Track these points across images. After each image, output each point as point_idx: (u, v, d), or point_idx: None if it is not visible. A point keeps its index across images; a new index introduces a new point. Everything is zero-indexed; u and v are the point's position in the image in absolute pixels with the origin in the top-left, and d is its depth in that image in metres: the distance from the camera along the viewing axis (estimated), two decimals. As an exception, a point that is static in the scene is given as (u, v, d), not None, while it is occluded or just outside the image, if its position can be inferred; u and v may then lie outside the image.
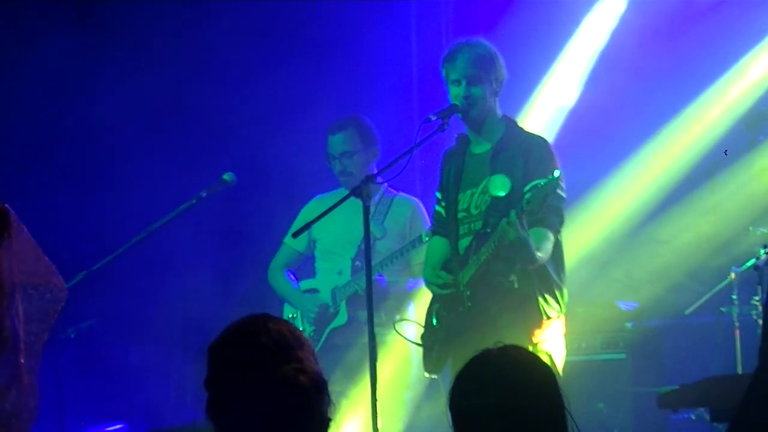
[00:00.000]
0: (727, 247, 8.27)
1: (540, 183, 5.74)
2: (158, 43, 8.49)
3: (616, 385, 8.01)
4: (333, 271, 7.43)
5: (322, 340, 7.38)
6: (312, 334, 7.40)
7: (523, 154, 6.10)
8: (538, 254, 5.85)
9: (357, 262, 7.31)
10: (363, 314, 7.11)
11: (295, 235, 6.53)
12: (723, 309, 8.01)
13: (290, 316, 7.51)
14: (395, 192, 7.32)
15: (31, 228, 7.52)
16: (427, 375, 6.41)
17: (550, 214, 5.98)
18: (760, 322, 7.45)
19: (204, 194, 7.04)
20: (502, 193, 6.02)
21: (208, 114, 8.53)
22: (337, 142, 7.36)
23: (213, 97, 8.58)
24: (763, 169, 8.35)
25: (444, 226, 6.41)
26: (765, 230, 7.88)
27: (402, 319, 6.52)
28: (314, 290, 7.53)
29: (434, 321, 6.30)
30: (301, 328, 7.29)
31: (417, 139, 5.97)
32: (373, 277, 6.76)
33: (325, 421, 3.15)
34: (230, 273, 7.70)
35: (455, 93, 6.20)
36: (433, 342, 6.29)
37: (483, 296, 6.04)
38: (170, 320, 8.27)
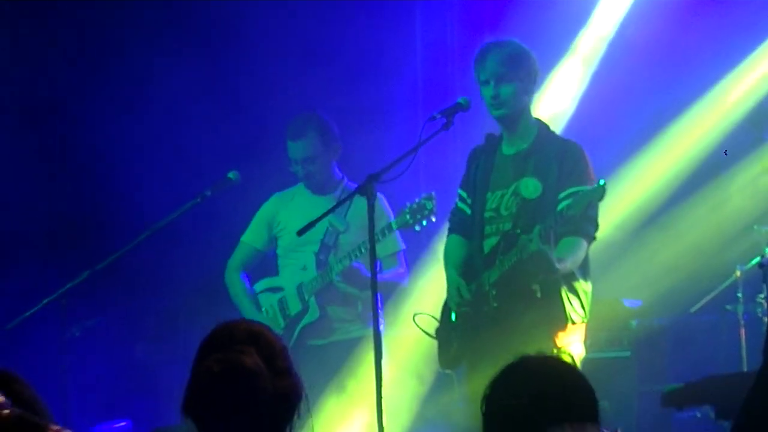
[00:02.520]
0: (732, 245, 8.21)
1: (583, 189, 5.76)
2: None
3: (621, 383, 7.92)
4: (297, 267, 7.27)
5: (293, 339, 7.18)
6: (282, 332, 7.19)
7: (557, 159, 6.08)
8: (558, 265, 5.85)
9: (321, 256, 7.19)
10: (333, 309, 7.15)
11: (300, 233, 6.32)
12: (728, 307, 7.97)
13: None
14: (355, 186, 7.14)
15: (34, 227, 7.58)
16: (445, 370, 6.41)
17: (586, 222, 6.00)
18: (765, 320, 7.55)
19: (209, 193, 7.03)
20: (533, 197, 6.03)
21: (216, 112, 8.55)
22: (299, 147, 7.25)
23: (219, 93, 8.60)
24: (768, 166, 8.32)
25: (467, 224, 6.36)
26: (770, 228, 7.82)
27: (419, 313, 6.41)
28: (278, 288, 7.35)
29: (453, 316, 6.25)
30: None
31: (421, 138, 5.92)
32: (343, 269, 6.95)
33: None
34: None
35: (485, 94, 6.17)
36: (451, 338, 6.26)
37: (509, 297, 6.02)
38: (176, 318, 8.24)
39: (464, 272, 6.25)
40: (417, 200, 6.67)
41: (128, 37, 8.50)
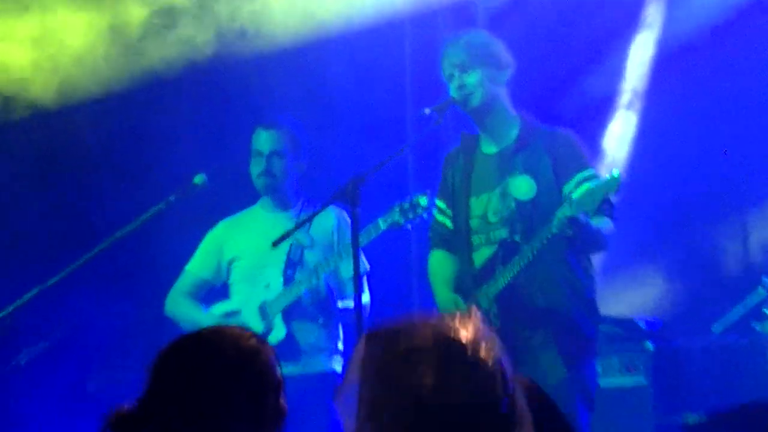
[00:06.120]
0: (757, 254, 7.95)
1: (593, 184, 5.45)
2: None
3: (636, 414, 7.40)
4: (258, 286, 6.81)
5: None
6: None
7: (549, 151, 5.80)
8: (601, 230, 5.61)
9: (288, 272, 6.79)
10: (303, 331, 6.74)
11: (276, 243, 6.08)
12: (755, 325, 7.47)
13: None
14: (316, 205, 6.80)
15: None
16: None
17: (603, 203, 5.59)
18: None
19: (173, 199, 6.52)
20: (528, 197, 5.76)
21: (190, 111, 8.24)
22: (271, 138, 6.85)
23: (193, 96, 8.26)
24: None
25: (449, 238, 6.05)
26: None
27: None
28: (233, 312, 6.85)
29: None
30: None
31: (410, 136, 6.11)
32: (302, 292, 6.64)
33: None
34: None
35: (452, 87, 5.93)
36: None
37: (513, 314, 5.71)
38: (136, 344, 7.65)
39: (456, 290, 5.96)
40: (409, 198, 6.33)
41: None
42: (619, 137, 8.24)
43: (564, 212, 5.38)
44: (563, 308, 5.72)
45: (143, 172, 7.83)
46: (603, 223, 5.64)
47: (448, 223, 6.05)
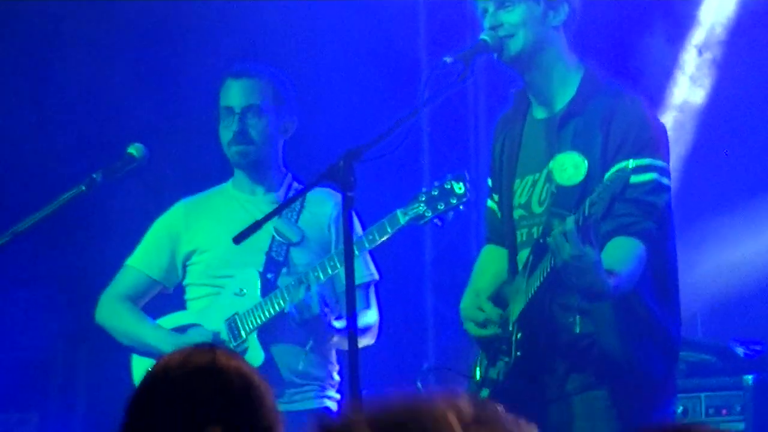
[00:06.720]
0: None
1: (612, 176, 4.60)
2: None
3: None
4: (227, 292, 5.91)
5: None
6: None
7: (604, 121, 4.87)
8: (610, 281, 4.53)
9: (269, 275, 5.89)
10: (287, 357, 5.89)
11: (238, 239, 5.04)
12: None
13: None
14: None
15: None
16: None
17: (641, 214, 4.72)
18: None
19: (98, 177, 5.51)
20: (572, 181, 4.80)
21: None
22: (243, 88, 5.89)
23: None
24: None
25: (499, 230, 5.22)
26: None
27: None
28: (190, 326, 5.95)
29: (477, 372, 5.17)
30: None
31: (425, 94, 4.95)
32: (287, 304, 5.80)
33: None
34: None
35: (484, 26, 5.03)
36: None
37: (540, 342, 4.86)
38: (45, 373, 7.07)
39: (497, 299, 5.10)
40: (439, 183, 5.50)
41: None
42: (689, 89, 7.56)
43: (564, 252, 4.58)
44: (616, 339, 4.82)
45: (65, 141, 7.16)
46: (622, 252, 4.67)
47: (497, 210, 5.21)
